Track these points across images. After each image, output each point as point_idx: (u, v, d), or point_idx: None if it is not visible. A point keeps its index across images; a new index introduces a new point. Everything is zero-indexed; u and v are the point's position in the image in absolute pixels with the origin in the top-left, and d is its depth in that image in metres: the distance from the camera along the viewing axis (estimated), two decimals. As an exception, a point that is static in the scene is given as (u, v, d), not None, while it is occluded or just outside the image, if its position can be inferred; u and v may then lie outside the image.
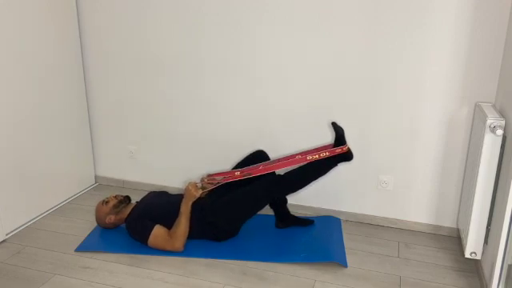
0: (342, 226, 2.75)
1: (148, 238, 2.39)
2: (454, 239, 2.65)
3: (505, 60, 2.24)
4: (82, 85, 3.07)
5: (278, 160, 2.52)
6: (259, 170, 2.42)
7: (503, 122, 2.00)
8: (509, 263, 1.92)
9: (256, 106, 2.80)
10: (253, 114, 2.82)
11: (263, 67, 2.71)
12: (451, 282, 2.25)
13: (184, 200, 2.41)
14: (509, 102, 2.07)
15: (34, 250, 2.46)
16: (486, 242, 2.17)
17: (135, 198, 2.75)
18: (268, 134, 2.82)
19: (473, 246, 2.18)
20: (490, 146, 2.02)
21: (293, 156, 2.52)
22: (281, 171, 2.46)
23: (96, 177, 3.34)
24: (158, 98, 2.99)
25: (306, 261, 2.36)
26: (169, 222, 2.42)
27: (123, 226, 2.59)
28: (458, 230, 2.66)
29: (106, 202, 2.55)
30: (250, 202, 2.44)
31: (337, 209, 2.85)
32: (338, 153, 2.36)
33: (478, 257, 2.20)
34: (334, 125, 2.47)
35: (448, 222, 2.67)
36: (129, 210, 2.56)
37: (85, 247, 2.48)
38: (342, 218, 2.84)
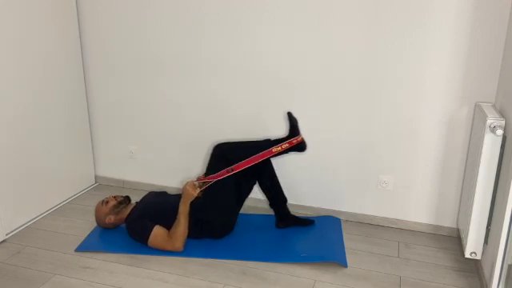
0: (342, 226, 2.75)
1: (148, 238, 2.39)
2: (454, 239, 2.65)
3: (505, 60, 2.24)
4: (82, 85, 3.07)
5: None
6: (238, 165, 2.44)
7: (503, 122, 2.00)
8: (509, 263, 1.92)
9: (256, 106, 2.80)
10: (253, 113, 2.82)
11: (263, 67, 2.71)
12: (451, 281, 2.25)
13: (182, 200, 2.41)
14: (509, 102, 2.07)
15: (34, 249, 2.47)
16: (486, 241, 2.17)
17: (135, 198, 2.75)
18: (268, 134, 2.82)
19: (473, 246, 2.18)
20: (490, 146, 2.02)
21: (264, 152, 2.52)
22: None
23: (96, 177, 3.34)
24: (158, 97, 2.99)
25: (305, 261, 2.36)
26: (168, 222, 2.42)
27: (123, 226, 2.59)
28: (457, 229, 2.66)
29: (106, 202, 2.55)
30: (223, 186, 2.45)
31: (337, 209, 2.85)
32: (294, 143, 2.46)
33: (478, 257, 2.20)
34: (290, 115, 2.53)
35: (448, 222, 2.67)
36: (128, 210, 2.56)
37: (85, 247, 2.48)
38: (342, 217, 2.84)
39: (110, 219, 2.54)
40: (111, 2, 2.89)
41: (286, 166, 2.84)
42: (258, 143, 2.54)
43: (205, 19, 2.73)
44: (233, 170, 2.42)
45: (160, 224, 2.42)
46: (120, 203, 2.55)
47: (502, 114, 2.15)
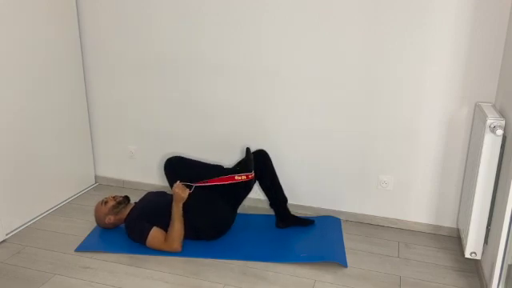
0: (342, 226, 2.75)
1: (146, 240, 2.39)
2: (454, 239, 2.65)
3: (505, 60, 2.24)
4: (82, 85, 3.07)
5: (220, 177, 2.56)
6: (208, 181, 2.51)
7: (503, 122, 2.00)
8: (509, 263, 1.92)
9: (256, 106, 2.80)
10: (253, 113, 2.82)
11: (263, 67, 2.71)
12: (451, 281, 2.25)
13: (174, 203, 2.41)
14: (509, 102, 2.07)
15: (34, 250, 2.47)
16: (486, 241, 2.17)
17: (135, 198, 2.75)
18: (268, 134, 2.82)
19: (473, 246, 2.18)
20: (490, 146, 2.02)
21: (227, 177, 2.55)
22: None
23: (96, 177, 3.34)
24: (158, 98, 3.00)
25: (305, 261, 2.36)
26: (167, 223, 2.42)
27: (123, 225, 2.59)
28: (457, 229, 2.66)
29: (105, 203, 2.55)
30: (209, 193, 2.52)
31: (337, 209, 2.85)
32: (250, 178, 2.48)
33: (478, 257, 2.20)
34: (248, 151, 2.55)
35: (448, 222, 2.67)
36: (128, 210, 2.56)
37: (85, 247, 2.48)
38: (342, 217, 2.84)
39: (110, 219, 2.54)
40: (111, 2, 2.89)
41: (286, 166, 2.84)
42: (208, 166, 2.64)
43: (205, 19, 2.73)
44: (205, 183, 2.49)
45: (159, 224, 2.42)
46: (119, 203, 2.55)
47: (502, 114, 2.15)
